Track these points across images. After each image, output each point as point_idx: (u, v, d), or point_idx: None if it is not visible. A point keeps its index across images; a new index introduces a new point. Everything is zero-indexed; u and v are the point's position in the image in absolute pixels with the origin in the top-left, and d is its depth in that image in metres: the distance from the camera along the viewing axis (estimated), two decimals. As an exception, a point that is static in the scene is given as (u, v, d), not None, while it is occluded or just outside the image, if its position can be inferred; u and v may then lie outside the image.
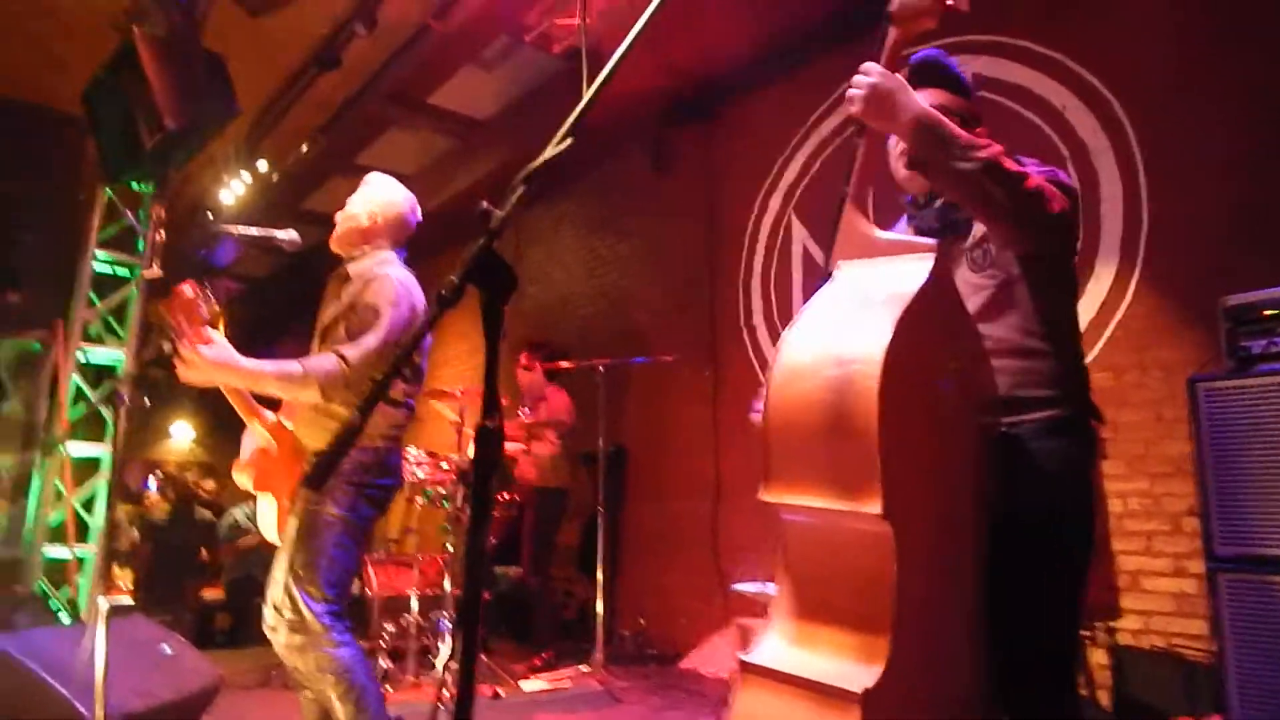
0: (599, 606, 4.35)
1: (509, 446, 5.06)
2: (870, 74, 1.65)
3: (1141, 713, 2.99)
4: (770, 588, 1.60)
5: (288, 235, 2.67)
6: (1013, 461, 1.69)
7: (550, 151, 1.16)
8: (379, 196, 2.70)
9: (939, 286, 1.56)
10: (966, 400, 1.67)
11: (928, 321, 1.50)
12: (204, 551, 6.63)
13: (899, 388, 1.39)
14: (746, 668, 1.49)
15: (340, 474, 2.35)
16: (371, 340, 2.38)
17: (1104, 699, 3.18)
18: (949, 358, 1.63)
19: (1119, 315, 3.42)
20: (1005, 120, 3.80)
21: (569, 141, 1.17)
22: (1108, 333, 3.42)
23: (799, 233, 4.88)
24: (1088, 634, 3.24)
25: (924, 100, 1.88)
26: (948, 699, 1.52)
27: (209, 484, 7.45)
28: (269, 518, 2.53)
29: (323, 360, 2.36)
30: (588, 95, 1.21)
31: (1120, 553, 3.26)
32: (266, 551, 2.50)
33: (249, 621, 5.38)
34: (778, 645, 1.49)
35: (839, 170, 1.73)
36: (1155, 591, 3.20)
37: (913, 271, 1.53)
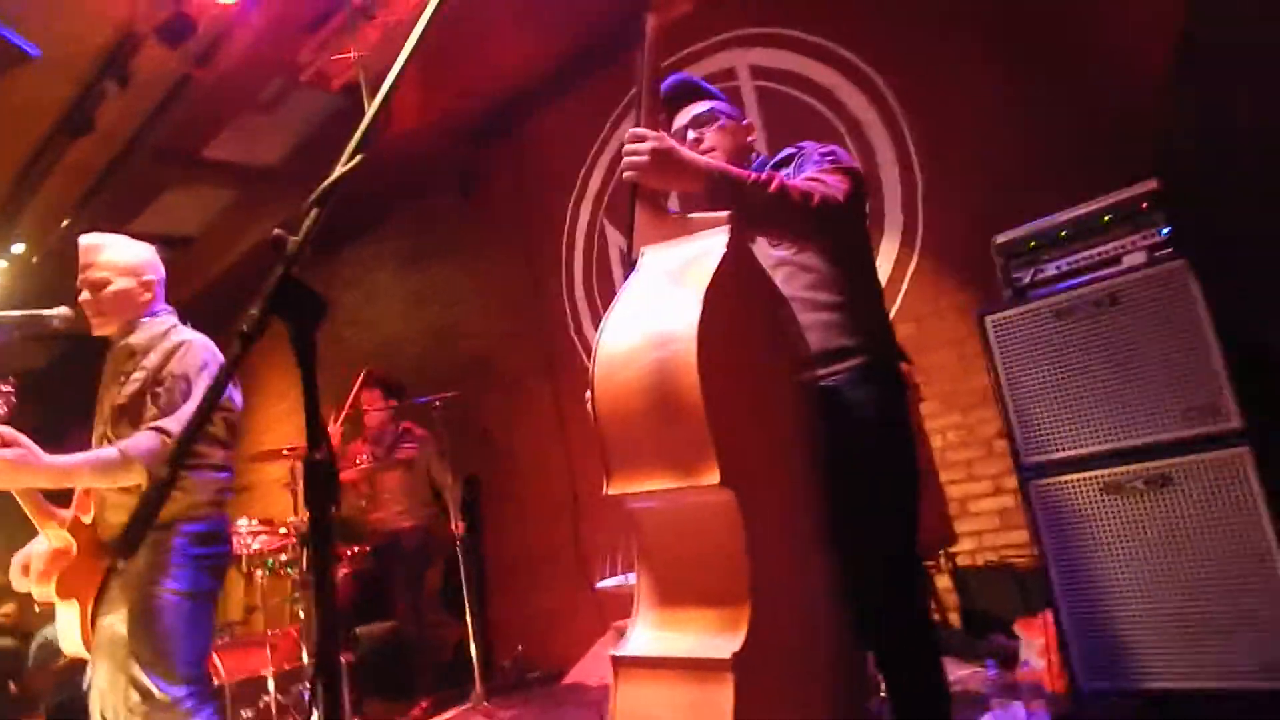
0: (472, 642, 4.22)
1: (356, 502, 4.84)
2: (646, 139, 1.67)
3: (987, 623, 3.27)
4: (632, 579, 1.61)
5: (58, 312, 2.41)
6: (832, 411, 1.82)
7: (340, 170, 1.12)
8: (136, 257, 2.48)
9: (738, 254, 1.63)
10: (782, 359, 1.76)
11: (733, 290, 1.56)
12: (12, 684, 5.85)
13: (716, 358, 1.44)
14: (619, 662, 1.49)
15: (173, 550, 2.18)
16: (187, 409, 2.22)
17: (954, 619, 3.44)
18: (758, 320, 1.72)
19: (911, 269, 3.73)
20: (784, 105, 4.05)
21: (359, 158, 1.14)
22: (904, 286, 3.72)
23: (613, 236, 4.98)
24: (931, 563, 3.50)
25: (693, 111, 2.01)
26: (815, 649, 1.59)
27: (7, 608, 6.59)
28: (72, 629, 2.28)
29: (141, 439, 2.19)
30: (371, 110, 1.18)
31: (947, 482, 3.55)
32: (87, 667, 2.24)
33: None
34: (645, 634, 1.50)
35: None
36: (981, 512, 3.51)
37: (711, 246, 1.60)
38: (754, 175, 1.70)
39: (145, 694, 2.09)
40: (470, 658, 4.23)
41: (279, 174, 6.23)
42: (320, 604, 1.00)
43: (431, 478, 4.85)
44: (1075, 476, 2.52)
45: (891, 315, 2.46)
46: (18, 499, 2.28)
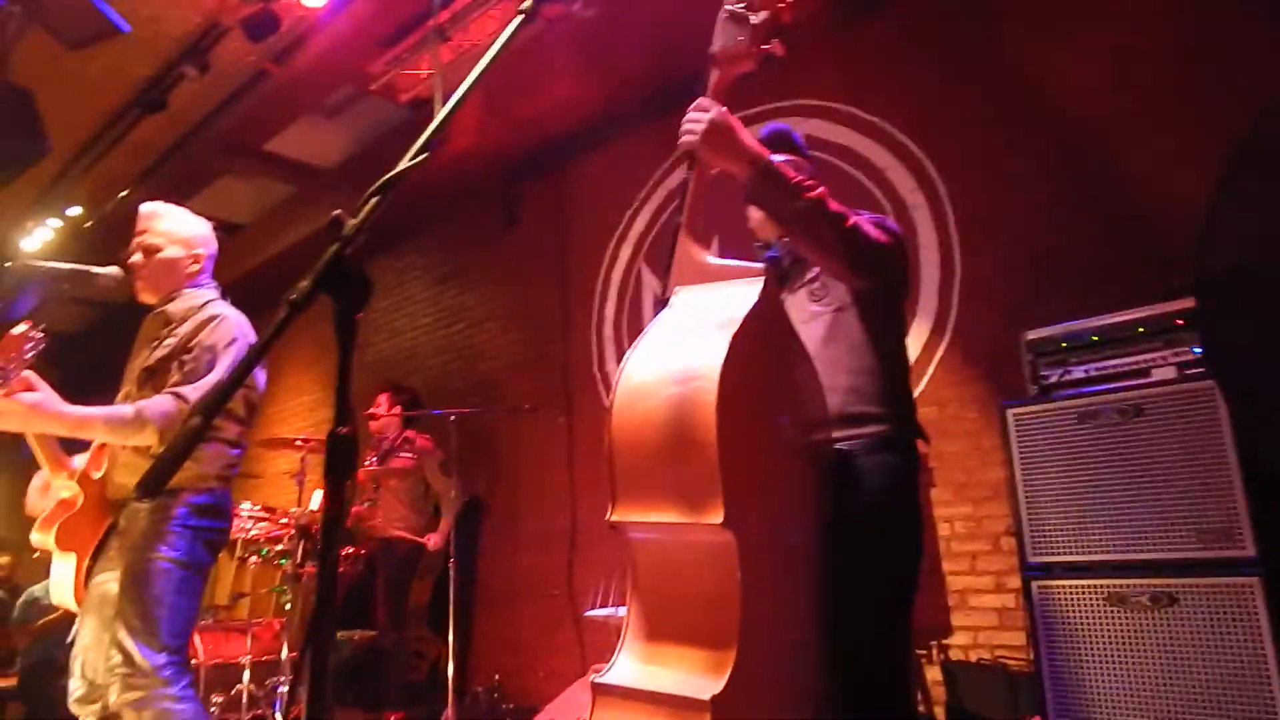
0: (450, 664, 4.17)
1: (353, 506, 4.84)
2: (708, 109, 1.73)
3: (972, 722, 3.19)
4: (620, 611, 1.61)
5: (107, 271, 2.48)
6: (844, 475, 1.82)
7: (405, 164, 1.16)
8: (191, 230, 2.56)
9: (769, 307, 1.66)
10: (798, 416, 1.77)
11: (760, 339, 1.59)
12: (-14, 642, 5.85)
13: (735, 402, 1.45)
14: (599, 689, 1.49)
15: (174, 518, 2.20)
16: (210, 379, 2.26)
17: (939, 715, 3.36)
18: (781, 374, 1.74)
19: (938, 355, 3.73)
20: (834, 178, 4.11)
21: (424, 156, 1.18)
22: (930, 370, 3.73)
23: (649, 280, 5.03)
24: (923, 652, 3.44)
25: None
26: (795, 702, 1.57)
27: (1, 560, 6.61)
28: (65, 581, 2.30)
29: (158, 402, 2.23)
30: (443, 111, 1.23)
31: (950, 573, 3.50)
32: (69, 629, 2.24)
33: (48, 709, 4.78)
34: (629, 665, 1.50)
35: (675, 224, 1.82)
36: (980, 608, 3.45)
37: (744, 294, 1.62)
38: (800, 177, 1.73)
39: (127, 657, 2.10)
40: (446, 679, 4.18)
41: (334, 176, 6.40)
42: (322, 575, 1.01)
43: (432, 491, 4.85)
44: (1080, 583, 2.48)
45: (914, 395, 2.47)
46: (32, 443, 2.32)
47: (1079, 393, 2.61)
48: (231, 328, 2.40)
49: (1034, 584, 2.56)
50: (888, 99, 4.09)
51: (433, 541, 4.47)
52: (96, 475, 2.36)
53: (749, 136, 1.77)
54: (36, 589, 5.62)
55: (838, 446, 1.85)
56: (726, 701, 1.33)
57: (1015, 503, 2.66)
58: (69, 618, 4.74)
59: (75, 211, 5.93)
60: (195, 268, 2.51)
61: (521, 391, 5.42)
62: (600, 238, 5.35)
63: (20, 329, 2.19)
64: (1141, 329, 2.64)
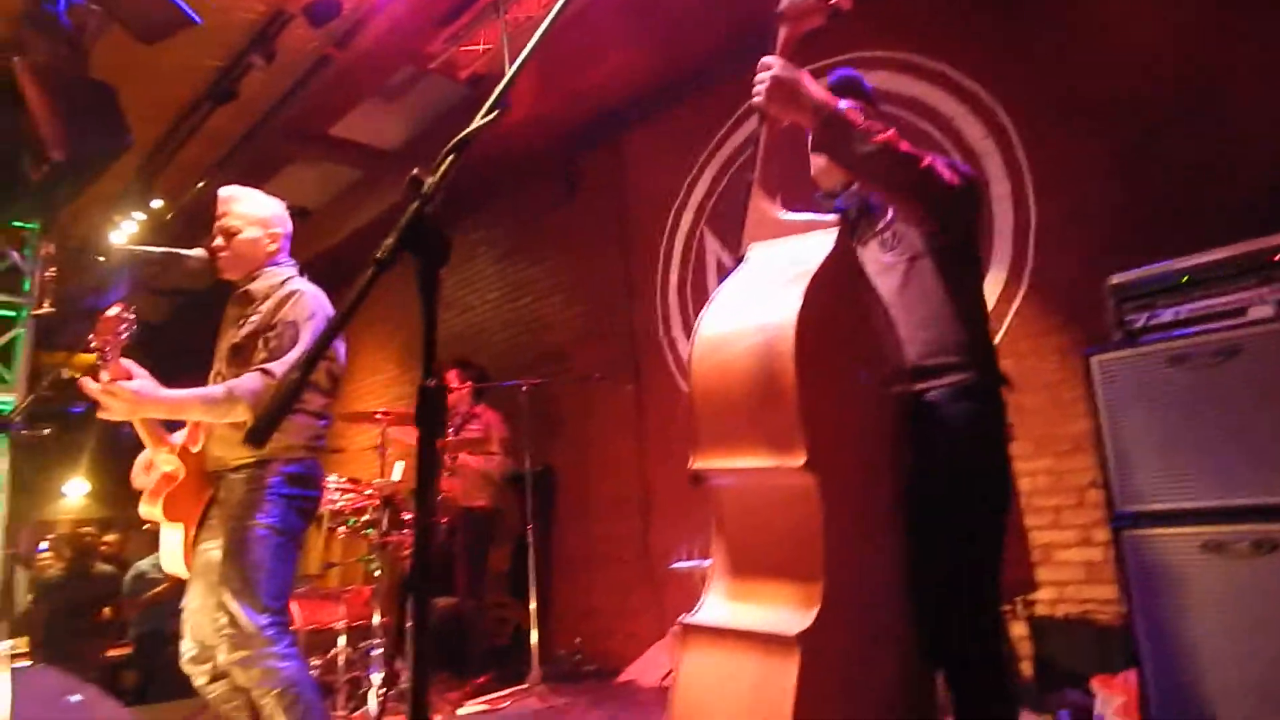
0: (533, 628, 4.28)
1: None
2: (771, 66, 1.74)
3: (1061, 677, 3.13)
4: (706, 564, 1.64)
5: (194, 253, 2.60)
6: (927, 425, 1.79)
7: (478, 121, 1.18)
8: (266, 211, 2.65)
9: (843, 257, 1.67)
10: (878, 365, 1.76)
11: (835, 289, 1.60)
12: (106, 609, 6.23)
13: (813, 350, 1.47)
14: (688, 629, 1.53)
15: (268, 487, 2.32)
16: (294, 354, 2.35)
17: (1026, 669, 3.31)
18: (857, 323, 1.73)
19: (1015, 304, 3.63)
20: (902, 130, 3.99)
21: (496, 113, 1.20)
22: (1006, 321, 3.63)
23: (712, 245, 5.00)
24: (1008, 608, 3.38)
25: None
26: (884, 643, 1.58)
27: (110, 537, 7.02)
28: (175, 551, 2.44)
29: (247, 380, 2.34)
30: (512, 69, 1.24)
31: (1032, 528, 3.43)
32: (176, 600, 2.39)
33: (159, 677, 5.08)
34: (716, 604, 1.54)
35: (746, 182, 1.83)
36: (1066, 562, 3.37)
37: (818, 244, 1.64)
38: (867, 123, 1.71)
39: (232, 619, 2.22)
40: (529, 643, 4.29)
41: (396, 157, 6.50)
42: (419, 528, 1.05)
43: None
44: (1174, 531, 2.40)
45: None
46: (135, 424, 2.45)
47: (1168, 336, 2.50)
48: (310, 302, 2.49)
49: (1124, 534, 2.49)
50: (954, 46, 3.96)
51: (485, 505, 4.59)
52: (195, 449, 2.48)
53: (816, 87, 1.76)
54: (143, 563, 5.96)
55: (920, 397, 1.82)
56: (814, 638, 1.35)
57: (1102, 452, 2.57)
58: (175, 590, 5.02)
59: (157, 204, 6.16)
60: (273, 247, 2.61)
61: (589, 361, 5.47)
62: (661, 205, 5.34)
63: (114, 310, 2.31)
64: (1235, 267, 2.51)
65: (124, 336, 2.32)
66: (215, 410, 2.32)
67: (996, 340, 3.55)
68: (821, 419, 1.44)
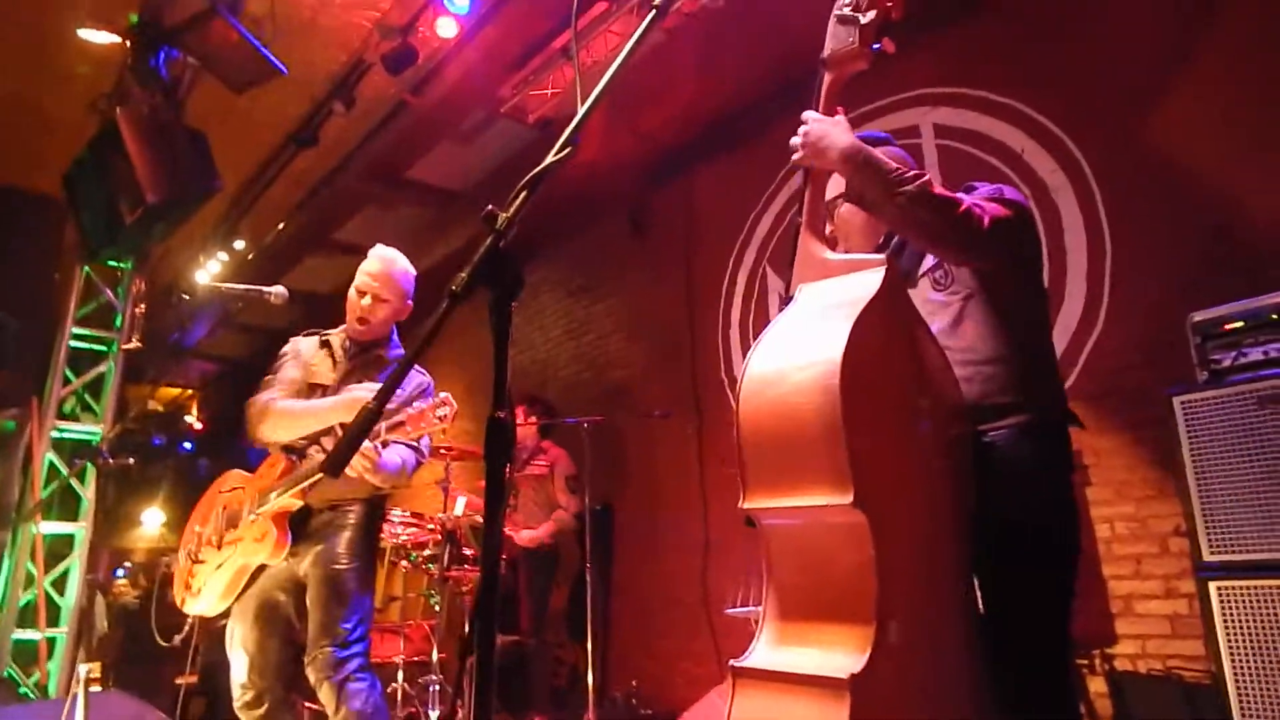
0: (590, 669, 4.25)
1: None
2: (807, 120, 1.81)
3: (1146, 738, 2.97)
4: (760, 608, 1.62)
5: (275, 290, 2.71)
6: (988, 468, 1.74)
7: (551, 159, 1.22)
8: (411, 285, 2.80)
9: (892, 294, 1.64)
10: (933, 405, 1.72)
11: (884, 326, 1.59)
12: (176, 637, 6.38)
13: (860, 386, 1.45)
14: (738, 672, 1.50)
15: (353, 526, 2.40)
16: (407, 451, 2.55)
17: (1108, 728, 3.15)
18: (909, 362, 1.70)
19: (1091, 342, 3.52)
20: (967, 165, 3.96)
21: (568, 151, 1.23)
22: (1081, 359, 3.51)
23: (774, 283, 4.99)
24: (1084, 662, 3.23)
25: None
26: (946, 690, 1.52)
27: (183, 565, 7.24)
28: (219, 590, 2.53)
29: (398, 451, 2.52)
30: (583, 109, 1.28)
31: (1111, 577, 3.28)
32: None
33: (224, 706, 5.17)
34: (767, 647, 1.51)
35: (796, 224, 1.85)
36: (1149, 614, 3.20)
37: (866, 281, 1.63)
38: (901, 168, 1.71)
39: (319, 649, 2.29)
40: (585, 684, 4.25)
41: (467, 199, 6.70)
42: (487, 558, 1.06)
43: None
44: (1266, 582, 2.27)
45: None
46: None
47: (1257, 376, 2.39)
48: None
49: (1212, 585, 2.36)
50: (1018, 78, 3.91)
51: (523, 536, 4.57)
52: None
53: (847, 136, 1.78)
54: (213, 591, 6.11)
55: (981, 438, 1.78)
56: (866, 681, 1.31)
57: (1187, 498, 2.46)
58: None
59: (240, 244, 6.45)
60: (403, 317, 2.79)
61: (652, 398, 5.48)
62: (725, 243, 5.36)
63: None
64: (1328, 305, 2.41)
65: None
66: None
67: (1071, 379, 3.47)
68: (871, 456, 1.42)
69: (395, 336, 2.80)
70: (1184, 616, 3.09)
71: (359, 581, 2.40)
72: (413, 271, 2.82)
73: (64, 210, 4.74)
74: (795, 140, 1.81)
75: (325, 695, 2.30)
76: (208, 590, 2.58)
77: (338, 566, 2.39)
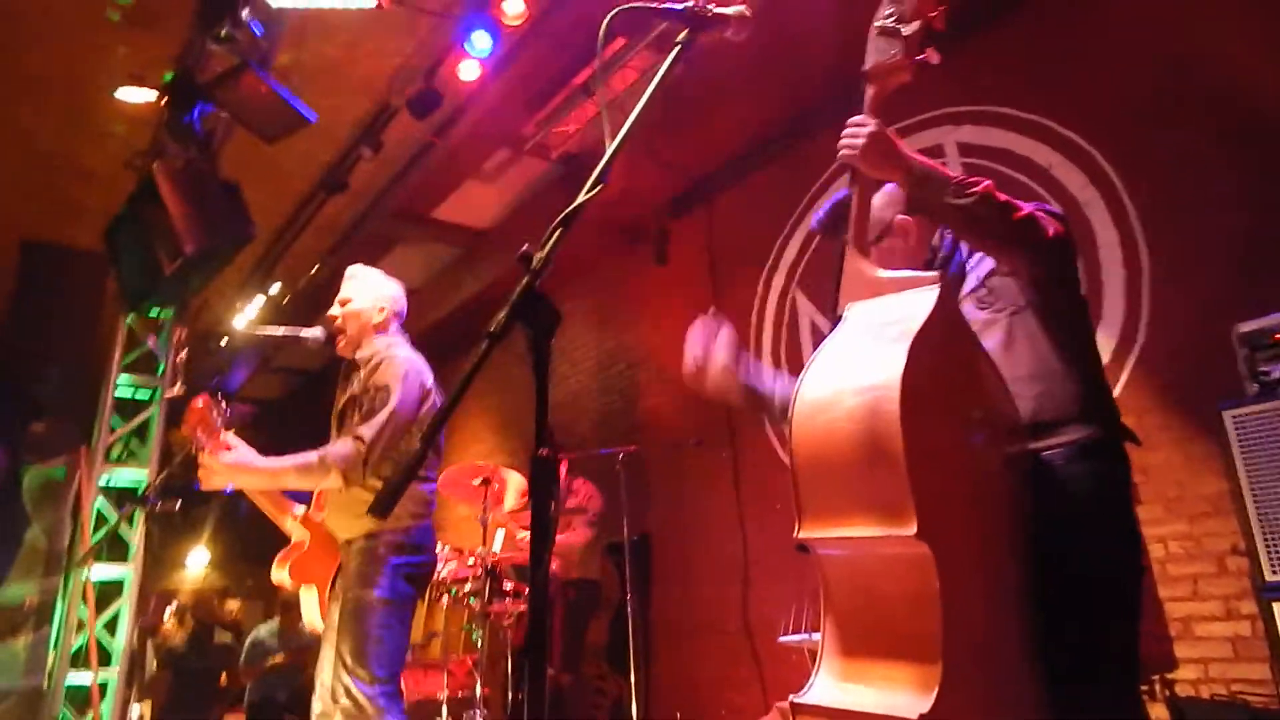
0: (633, 701, 4.19)
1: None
2: (867, 124, 1.73)
3: (1213, 765, 2.86)
4: (815, 636, 1.57)
5: (312, 332, 2.75)
6: (1047, 487, 1.70)
7: (584, 195, 1.23)
8: (381, 290, 2.79)
9: (947, 314, 1.60)
10: (989, 425, 1.68)
11: (940, 347, 1.54)
12: (224, 676, 6.45)
13: (920, 411, 1.41)
14: (799, 709, 1.45)
15: (376, 558, 2.38)
16: (383, 415, 2.44)
17: (1172, 756, 3.04)
18: (965, 382, 1.66)
19: (1132, 359, 3.45)
20: (998, 182, 3.93)
21: (600, 187, 1.24)
22: (1124, 376, 3.44)
23: (805, 307, 4.97)
24: (1144, 688, 3.12)
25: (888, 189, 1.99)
26: (1012, 717, 1.47)
27: (232, 605, 7.31)
28: (313, 607, 2.55)
29: (338, 447, 2.43)
30: (614, 144, 1.29)
31: (1168, 599, 3.18)
32: (289, 672, 2.46)
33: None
34: (828, 683, 1.46)
35: (839, 243, 1.81)
36: (1209, 637, 3.10)
37: (920, 300, 1.58)
38: (961, 176, 1.69)
39: (346, 690, 2.27)
40: (629, 716, 4.20)
41: (493, 235, 6.78)
42: (534, 593, 1.06)
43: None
44: (1334, 601, 2.19)
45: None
46: (255, 496, 2.58)
47: (1310, 387, 2.33)
48: (399, 363, 2.56)
49: (1276, 606, 2.29)
50: (1045, 95, 3.88)
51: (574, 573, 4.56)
52: (318, 519, 2.59)
53: (903, 146, 1.75)
54: (261, 631, 6.17)
55: (1039, 457, 1.74)
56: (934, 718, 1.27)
57: (1244, 515, 2.39)
58: (290, 660, 5.15)
59: (275, 288, 6.57)
60: (380, 319, 2.74)
61: (685, 427, 5.45)
62: (751, 269, 5.35)
63: (199, 402, 2.43)
64: (1381, 311, 2.34)
65: (219, 424, 2.42)
66: (310, 477, 2.41)
67: (1116, 393, 3.39)
68: (933, 484, 1.38)
69: (383, 335, 2.70)
70: (1246, 639, 2.99)
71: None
72: (389, 280, 2.82)
73: (105, 263, 4.86)
74: (853, 140, 1.72)
75: None
76: None
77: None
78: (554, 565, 4.74)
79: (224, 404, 2.47)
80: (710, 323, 2.23)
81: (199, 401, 2.44)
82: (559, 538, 4.80)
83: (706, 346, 2.21)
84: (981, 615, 1.47)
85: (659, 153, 5.30)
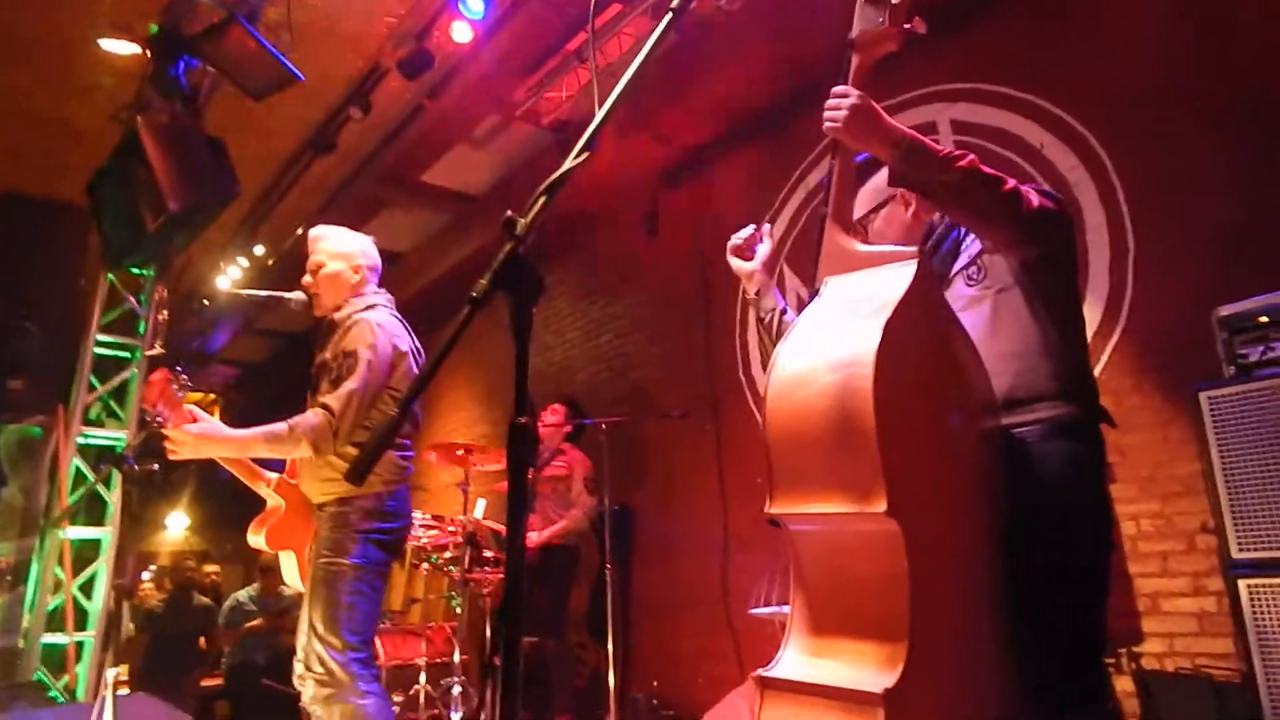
0: (611, 670, 4.25)
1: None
2: (850, 94, 1.70)
3: (1175, 738, 2.93)
4: (785, 609, 1.59)
5: (295, 295, 2.73)
6: (1020, 465, 1.71)
7: (569, 164, 1.21)
8: (349, 245, 2.74)
9: (925, 290, 1.59)
10: (964, 402, 1.69)
11: (916, 323, 1.53)
12: (202, 639, 6.47)
13: (894, 388, 1.41)
14: (766, 683, 1.47)
15: (346, 524, 2.38)
16: (351, 384, 2.42)
17: (1136, 728, 3.11)
18: (941, 358, 1.66)
19: (1114, 339, 3.48)
20: (987, 162, 3.91)
21: (587, 155, 1.23)
22: (1105, 357, 3.47)
23: (791, 282, 4.97)
24: (1111, 661, 3.19)
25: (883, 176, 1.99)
26: (976, 699, 1.50)
27: (212, 568, 7.32)
28: (293, 569, 2.56)
29: (309, 416, 2.41)
30: (601, 113, 1.28)
31: (1137, 575, 3.24)
32: (267, 635, 2.46)
33: (249, 708, 5.23)
34: (796, 658, 1.47)
35: (821, 217, 1.80)
36: (1176, 612, 3.17)
37: (897, 277, 1.57)
38: (947, 150, 1.68)
39: (319, 658, 2.28)
40: (606, 685, 4.25)
41: (484, 202, 6.73)
42: (511, 562, 1.07)
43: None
44: (1298, 580, 2.24)
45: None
46: (227, 466, 2.57)
47: (1286, 371, 2.36)
48: (368, 329, 2.51)
49: (1242, 583, 2.33)
50: (1036, 73, 3.87)
51: (531, 538, 4.58)
52: (294, 483, 2.59)
53: (888, 119, 1.73)
54: (240, 594, 6.18)
55: (1012, 433, 1.76)
56: (900, 695, 1.29)
57: (1214, 495, 2.43)
58: (268, 624, 5.17)
59: (260, 250, 6.51)
60: (356, 278, 2.70)
61: (670, 399, 5.47)
62: (740, 243, 5.33)
63: (158, 376, 2.40)
64: (1358, 297, 2.37)
65: (180, 394, 2.40)
66: (280, 447, 2.39)
67: (1096, 373, 3.42)
68: (904, 462, 1.38)
69: (360, 298, 2.67)
70: (1212, 614, 3.06)
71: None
72: (356, 236, 2.79)
73: (88, 219, 4.80)
74: (836, 112, 1.69)
75: None
76: None
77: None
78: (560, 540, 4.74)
79: (184, 376, 2.44)
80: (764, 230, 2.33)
81: (157, 375, 2.42)
82: (568, 516, 4.80)
83: (755, 236, 2.34)
84: (951, 593, 1.49)
85: (650, 124, 5.25)
